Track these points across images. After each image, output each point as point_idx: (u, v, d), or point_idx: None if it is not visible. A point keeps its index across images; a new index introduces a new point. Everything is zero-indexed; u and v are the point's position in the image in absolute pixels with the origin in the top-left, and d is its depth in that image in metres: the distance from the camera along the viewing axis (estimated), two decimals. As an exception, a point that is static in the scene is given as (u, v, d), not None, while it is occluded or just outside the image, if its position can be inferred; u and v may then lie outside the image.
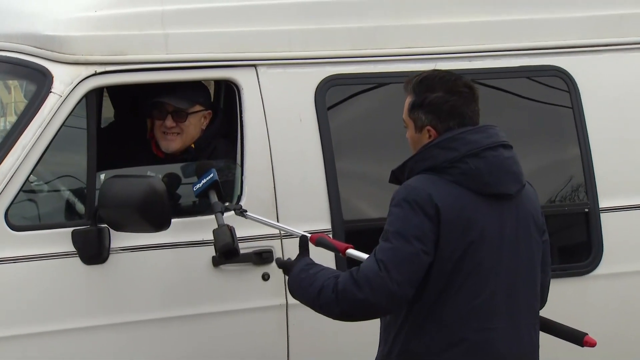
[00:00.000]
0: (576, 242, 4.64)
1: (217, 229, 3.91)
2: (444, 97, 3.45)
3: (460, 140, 3.41)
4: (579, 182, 4.59)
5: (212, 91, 4.78)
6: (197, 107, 4.33)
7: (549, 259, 3.61)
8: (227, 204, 4.03)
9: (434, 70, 3.59)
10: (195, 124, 4.33)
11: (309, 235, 3.87)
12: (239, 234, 3.98)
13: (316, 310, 3.48)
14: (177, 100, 4.27)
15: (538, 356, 3.51)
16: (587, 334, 3.60)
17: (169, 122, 4.30)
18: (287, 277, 3.59)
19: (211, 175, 3.98)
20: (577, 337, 3.60)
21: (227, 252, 3.90)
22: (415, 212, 3.34)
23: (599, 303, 4.56)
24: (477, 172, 3.39)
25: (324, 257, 4.13)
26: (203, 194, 4.00)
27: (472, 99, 3.49)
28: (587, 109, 4.60)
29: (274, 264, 4.16)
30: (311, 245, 3.70)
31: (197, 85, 4.34)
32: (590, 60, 4.64)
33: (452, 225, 3.36)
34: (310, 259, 3.58)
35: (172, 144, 4.32)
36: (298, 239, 3.69)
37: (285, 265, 3.65)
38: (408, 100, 3.52)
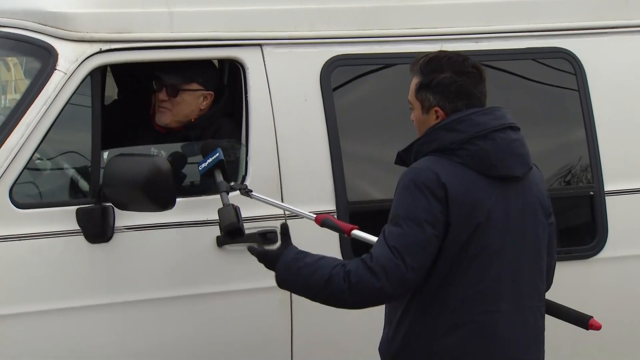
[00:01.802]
0: (581, 225, 4.64)
1: (222, 208, 3.90)
2: (452, 77, 3.44)
3: (468, 121, 3.40)
4: (584, 164, 4.58)
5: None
6: (194, 86, 4.32)
7: (555, 242, 3.61)
8: (232, 183, 4.02)
9: (441, 51, 3.57)
10: (190, 101, 4.32)
11: (314, 215, 3.87)
12: (244, 214, 3.97)
13: (318, 301, 3.41)
14: (169, 75, 4.27)
15: (543, 339, 3.51)
16: (592, 317, 3.60)
17: (162, 95, 4.31)
18: (273, 267, 3.46)
19: (217, 154, 3.97)
20: (583, 320, 3.61)
21: (231, 231, 3.89)
22: (424, 194, 3.33)
23: (603, 286, 4.56)
24: (485, 153, 3.38)
25: (327, 238, 4.16)
26: (208, 173, 3.99)
27: (480, 80, 3.48)
28: (593, 92, 4.58)
29: (278, 244, 4.17)
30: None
31: (199, 64, 4.32)
32: (597, 42, 4.62)
33: (460, 206, 3.35)
34: (297, 247, 3.49)
35: (162, 116, 4.33)
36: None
37: (266, 255, 3.53)
38: (415, 81, 3.50)
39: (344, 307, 3.41)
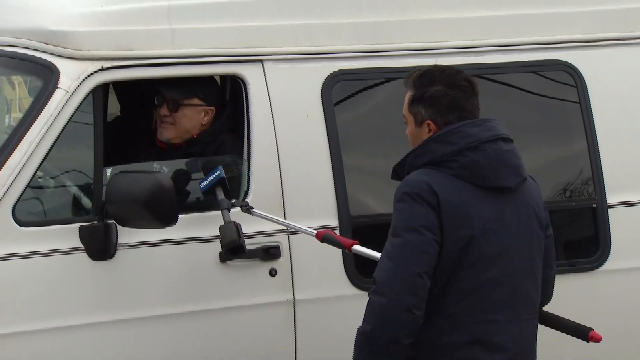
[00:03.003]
0: (584, 237, 4.62)
1: (223, 225, 3.91)
2: (444, 90, 3.45)
3: (459, 133, 3.41)
4: (586, 177, 4.57)
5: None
6: (195, 101, 4.33)
7: (554, 254, 3.60)
8: (233, 200, 4.03)
9: (435, 65, 3.58)
10: (191, 116, 4.33)
11: (315, 231, 3.88)
12: (247, 229, 3.98)
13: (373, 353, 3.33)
14: (170, 91, 4.28)
15: (536, 350, 3.50)
16: (592, 329, 3.59)
17: (164, 110, 4.32)
18: None
19: (217, 172, 3.99)
20: (583, 332, 3.60)
21: (233, 248, 3.90)
22: (419, 203, 3.34)
23: (607, 299, 4.54)
24: (476, 165, 3.39)
25: (329, 253, 4.16)
26: (210, 190, 4.01)
27: (472, 93, 3.49)
28: (594, 104, 4.58)
29: (281, 259, 4.16)
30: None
31: (200, 79, 4.33)
32: (598, 54, 4.62)
33: (453, 217, 3.35)
34: None
35: (164, 132, 4.34)
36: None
37: None
38: (408, 95, 3.52)
39: (387, 344, 3.29)
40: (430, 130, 3.46)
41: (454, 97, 3.44)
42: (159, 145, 4.40)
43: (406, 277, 3.29)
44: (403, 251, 3.32)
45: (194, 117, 4.34)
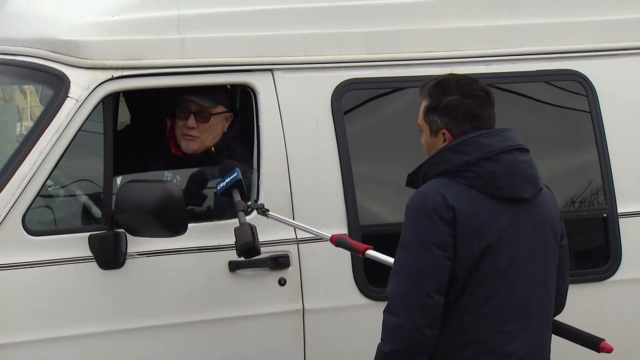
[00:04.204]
0: (594, 247, 4.61)
1: (238, 227, 3.91)
2: (460, 100, 3.44)
3: (474, 143, 3.40)
4: (597, 186, 4.55)
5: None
6: (221, 108, 4.33)
7: (568, 264, 3.59)
8: (249, 202, 4.03)
9: (450, 74, 3.57)
10: (217, 125, 4.33)
11: (329, 235, 3.88)
12: (257, 239, 3.97)
13: None
14: (203, 98, 4.27)
15: None
16: (603, 339, 3.57)
17: (191, 122, 4.30)
18: None
19: (235, 174, 3.99)
20: (594, 343, 3.58)
21: (247, 250, 3.90)
22: (431, 218, 3.32)
23: (617, 309, 4.52)
24: (491, 175, 3.38)
25: (339, 263, 4.15)
26: (226, 192, 4.00)
27: (488, 102, 3.48)
28: (605, 113, 4.56)
29: (290, 268, 4.15)
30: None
31: (221, 87, 4.34)
32: (608, 64, 4.61)
33: (468, 228, 3.34)
34: None
35: (191, 144, 4.32)
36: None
37: None
38: (423, 104, 3.51)
39: None
40: (445, 140, 3.45)
41: (469, 107, 3.43)
42: (173, 153, 4.39)
43: (416, 296, 3.29)
44: (412, 270, 3.31)
45: (219, 125, 4.34)
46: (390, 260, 3.67)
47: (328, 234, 3.89)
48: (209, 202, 4.25)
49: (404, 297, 3.30)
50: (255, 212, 4.04)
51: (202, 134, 4.31)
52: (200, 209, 4.26)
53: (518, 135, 3.48)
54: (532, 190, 3.44)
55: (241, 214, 3.93)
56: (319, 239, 4.03)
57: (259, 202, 4.18)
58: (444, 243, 3.32)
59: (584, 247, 4.59)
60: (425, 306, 3.29)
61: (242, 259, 4.01)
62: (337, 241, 3.81)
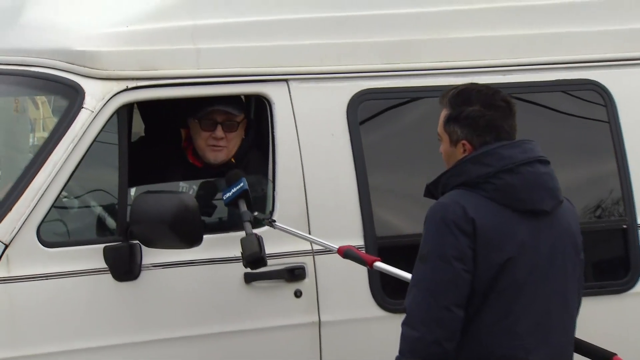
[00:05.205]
0: (613, 258, 4.56)
1: (244, 237, 3.90)
2: (481, 111, 3.41)
3: (495, 155, 3.38)
4: (616, 197, 4.52)
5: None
6: (242, 116, 4.33)
7: (583, 279, 3.55)
8: (256, 213, 4.03)
9: (471, 84, 3.55)
10: (240, 133, 4.33)
11: (337, 247, 3.86)
12: (271, 250, 3.96)
13: None
14: (230, 107, 4.25)
15: None
16: (615, 354, 3.54)
17: (219, 132, 4.28)
18: None
19: (241, 184, 3.98)
20: (606, 357, 3.54)
21: (254, 261, 3.89)
22: (451, 231, 3.30)
23: (637, 322, 4.47)
24: (511, 188, 3.35)
25: (355, 274, 4.11)
26: (232, 202, 3.99)
27: (510, 113, 3.45)
28: (624, 123, 4.53)
29: (306, 280, 4.13)
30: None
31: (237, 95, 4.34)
32: (627, 73, 4.58)
33: (488, 241, 3.32)
34: None
35: (220, 154, 4.31)
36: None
37: None
38: (444, 113, 3.49)
39: None
40: (465, 150, 3.43)
41: (490, 118, 3.41)
42: (191, 164, 4.37)
43: (435, 310, 3.27)
44: (432, 282, 3.29)
45: (241, 133, 4.33)
46: (399, 272, 3.67)
47: (335, 246, 3.87)
48: (224, 212, 4.22)
49: (423, 311, 3.28)
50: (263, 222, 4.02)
51: (229, 143, 4.30)
52: (215, 220, 4.25)
53: (539, 146, 3.45)
54: (553, 203, 3.42)
55: (247, 224, 3.92)
56: (335, 250, 4.01)
57: (275, 213, 4.16)
58: (464, 256, 3.29)
59: (603, 259, 4.55)
60: (444, 320, 3.27)
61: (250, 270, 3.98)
62: (344, 253, 3.80)
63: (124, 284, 4.00)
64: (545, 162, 3.44)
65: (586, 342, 3.58)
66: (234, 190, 3.98)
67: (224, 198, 4.01)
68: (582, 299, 3.53)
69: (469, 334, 3.33)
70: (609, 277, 4.49)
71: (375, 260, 3.74)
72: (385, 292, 4.21)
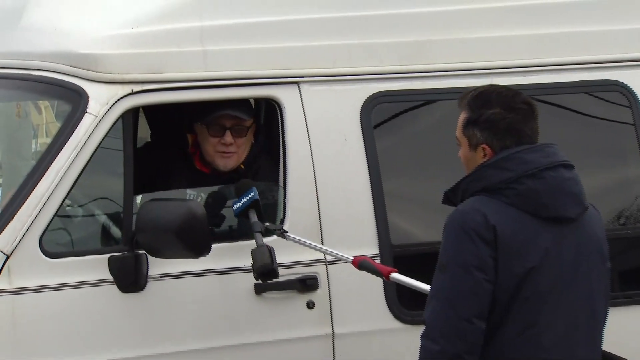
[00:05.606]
0: (641, 267, 4.53)
1: (255, 249, 3.85)
2: (501, 113, 3.34)
3: (516, 159, 3.30)
4: (643, 202, 4.46)
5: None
6: (251, 121, 4.27)
7: (609, 288, 3.46)
8: (267, 224, 3.96)
9: (491, 86, 3.49)
10: (250, 138, 4.28)
11: (352, 257, 3.81)
12: (283, 259, 3.90)
13: None
14: (239, 111, 4.20)
15: None
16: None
17: (228, 137, 4.22)
18: None
19: (252, 194, 3.92)
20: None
21: (265, 272, 3.83)
22: (471, 239, 3.22)
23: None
24: (534, 194, 3.27)
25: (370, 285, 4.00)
26: (243, 213, 3.93)
27: (531, 116, 3.37)
28: (649, 125, 4.50)
29: (319, 290, 4.06)
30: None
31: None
32: (652, 74, 4.54)
33: (509, 249, 3.24)
34: None
35: (229, 161, 4.25)
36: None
37: None
38: (462, 116, 3.41)
39: None
40: (485, 155, 3.35)
41: (511, 121, 3.33)
42: (199, 170, 4.31)
43: (456, 322, 3.19)
44: (452, 293, 3.21)
45: (250, 139, 4.28)
46: (417, 283, 3.61)
47: (350, 257, 3.82)
48: (234, 221, 4.14)
49: (443, 323, 3.20)
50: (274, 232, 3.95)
51: (239, 149, 4.24)
52: (224, 228, 4.17)
53: (561, 150, 3.38)
54: (578, 210, 3.33)
55: (258, 235, 3.87)
56: (348, 259, 3.96)
57: (286, 222, 4.09)
58: (485, 265, 3.21)
59: (630, 267, 4.46)
60: (465, 332, 3.19)
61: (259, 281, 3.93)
62: (359, 264, 3.75)
63: (129, 295, 3.93)
64: (570, 167, 3.36)
65: (614, 354, 3.54)
66: (244, 200, 3.92)
67: (234, 209, 3.95)
68: (609, 309, 3.43)
69: (491, 345, 3.24)
70: (637, 287, 4.39)
71: (391, 272, 3.69)
72: (402, 302, 4.14)
